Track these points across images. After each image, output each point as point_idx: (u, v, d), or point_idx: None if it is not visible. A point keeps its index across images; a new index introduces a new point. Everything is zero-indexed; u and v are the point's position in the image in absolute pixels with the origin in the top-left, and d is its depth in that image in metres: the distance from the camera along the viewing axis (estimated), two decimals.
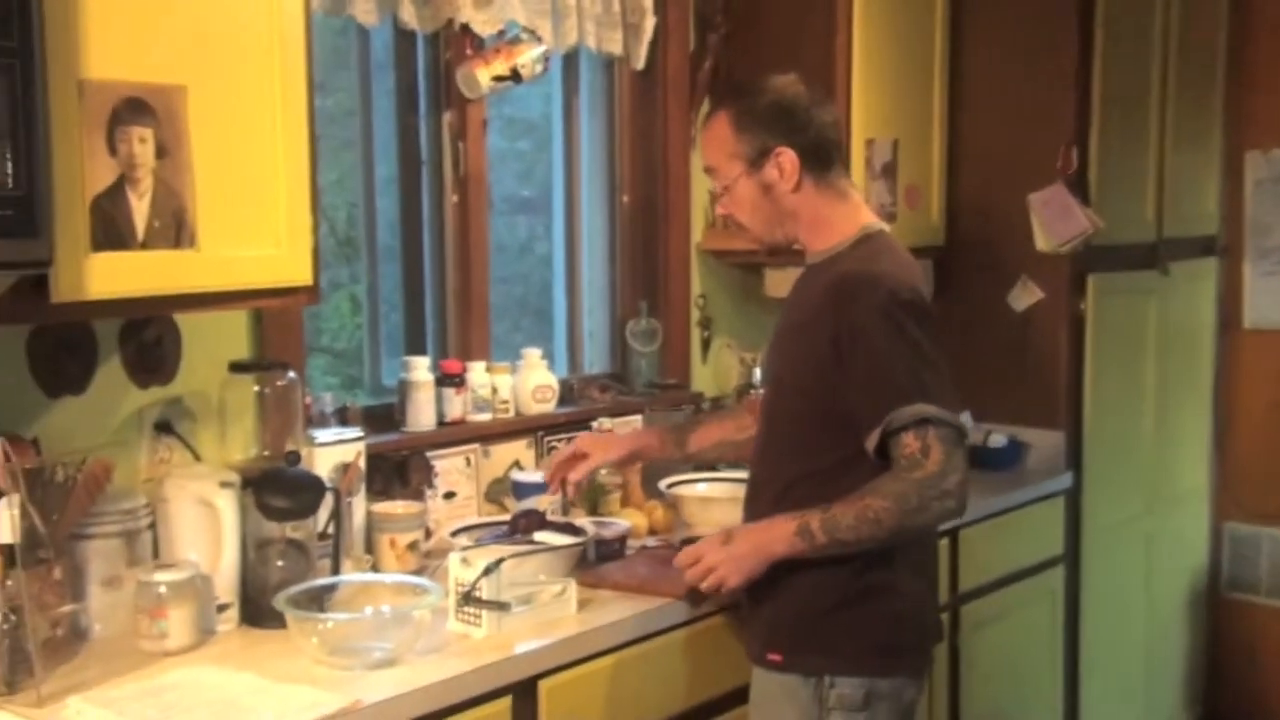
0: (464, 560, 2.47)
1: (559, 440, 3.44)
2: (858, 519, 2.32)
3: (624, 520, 3.08)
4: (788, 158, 2.45)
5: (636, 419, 3.63)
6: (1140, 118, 4.25)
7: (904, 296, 2.35)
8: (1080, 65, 3.94)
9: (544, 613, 2.51)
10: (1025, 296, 4.03)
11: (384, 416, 3.19)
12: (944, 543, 3.42)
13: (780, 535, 2.41)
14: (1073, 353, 4.04)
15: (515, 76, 3.21)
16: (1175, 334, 4.57)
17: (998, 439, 3.97)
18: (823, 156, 2.49)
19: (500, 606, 2.42)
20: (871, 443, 2.33)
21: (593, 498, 3.20)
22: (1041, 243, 3.92)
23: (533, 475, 3.20)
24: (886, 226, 2.56)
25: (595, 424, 3.47)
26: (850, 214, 2.51)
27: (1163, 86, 4.33)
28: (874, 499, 2.31)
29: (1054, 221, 3.89)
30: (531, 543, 2.72)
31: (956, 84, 4.07)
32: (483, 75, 3.18)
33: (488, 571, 2.41)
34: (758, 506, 2.55)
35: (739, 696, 2.62)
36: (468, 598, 2.42)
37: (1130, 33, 4.13)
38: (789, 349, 2.51)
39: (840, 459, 2.39)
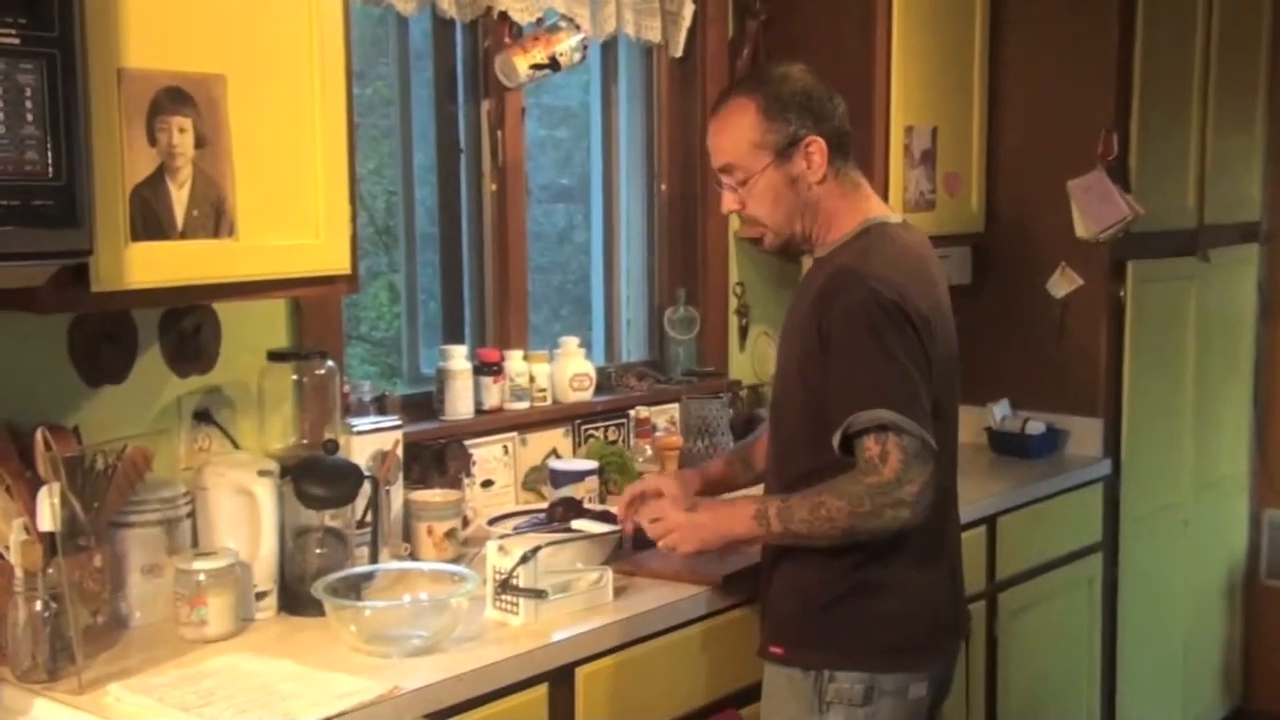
0: (501, 548, 2.47)
1: (596, 429, 3.45)
2: (812, 514, 2.29)
3: None
4: (818, 147, 2.39)
5: (674, 407, 3.63)
6: (1181, 103, 4.22)
7: (886, 298, 2.27)
8: (1121, 50, 3.91)
9: (581, 600, 2.51)
10: (1064, 283, 4.00)
11: (422, 405, 3.20)
12: (981, 530, 3.43)
13: (741, 516, 2.40)
14: (1112, 340, 4.01)
15: (554, 65, 3.20)
16: (1215, 321, 4.53)
17: (1036, 426, 3.95)
18: (843, 147, 2.44)
19: (537, 594, 2.42)
20: (835, 441, 2.28)
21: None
22: (1081, 230, 3.88)
23: (570, 463, 3.21)
24: (894, 218, 2.49)
25: (633, 412, 3.47)
26: (858, 206, 2.45)
27: (1204, 71, 4.29)
28: (829, 497, 2.28)
29: (1094, 208, 3.85)
30: (568, 531, 2.73)
31: (996, 70, 4.04)
32: (521, 63, 3.18)
33: (525, 559, 2.42)
34: None
35: None
36: (505, 585, 2.43)
37: (1172, 17, 4.10)
38: (791, 343, 2.47)
39: (838, 458, 2.31)
